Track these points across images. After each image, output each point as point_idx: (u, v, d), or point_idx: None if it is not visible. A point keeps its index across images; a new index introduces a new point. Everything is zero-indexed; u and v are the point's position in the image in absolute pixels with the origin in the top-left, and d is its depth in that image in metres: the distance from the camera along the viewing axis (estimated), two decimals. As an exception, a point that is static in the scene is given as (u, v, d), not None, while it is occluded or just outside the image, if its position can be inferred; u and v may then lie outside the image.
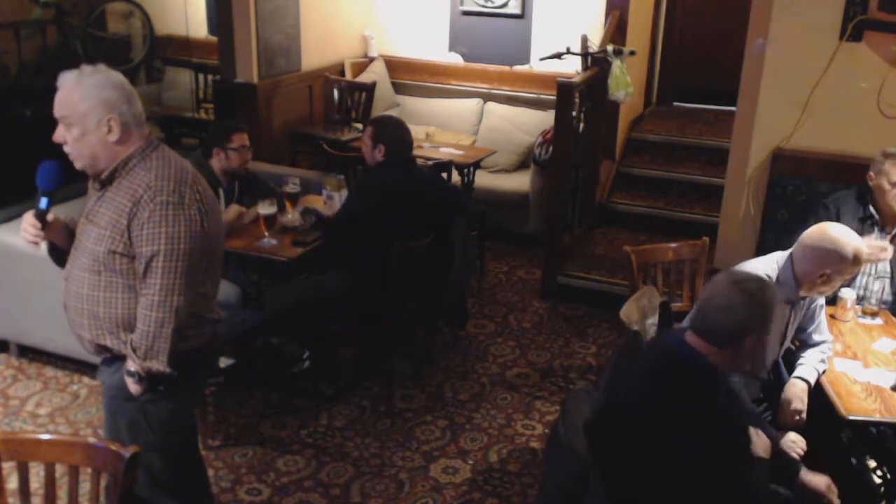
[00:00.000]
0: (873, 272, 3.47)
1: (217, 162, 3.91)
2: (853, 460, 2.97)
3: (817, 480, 2.55)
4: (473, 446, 3.66)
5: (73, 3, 6.79)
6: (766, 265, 2.87)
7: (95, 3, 7.06)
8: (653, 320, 3.08)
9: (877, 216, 3.47)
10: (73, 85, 2.21)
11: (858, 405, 2.70)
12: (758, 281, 2.25)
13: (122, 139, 2.25)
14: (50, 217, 2.34)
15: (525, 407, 3.96)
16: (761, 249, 4.20)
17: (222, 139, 3.90)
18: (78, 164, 2.29)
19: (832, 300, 3.35)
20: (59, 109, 2.23)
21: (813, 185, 4.09)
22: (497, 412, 3.92)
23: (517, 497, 3.34)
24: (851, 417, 2.66)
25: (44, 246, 2.44)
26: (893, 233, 3.47)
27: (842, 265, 2.74)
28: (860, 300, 3.42)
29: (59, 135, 2.24)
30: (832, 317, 3.28)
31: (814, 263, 2.76)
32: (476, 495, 3.35)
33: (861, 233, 3.48)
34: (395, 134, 3.84)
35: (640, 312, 3.07)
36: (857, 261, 2.75)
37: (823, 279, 2.77)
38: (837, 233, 2.77)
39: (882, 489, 3.06)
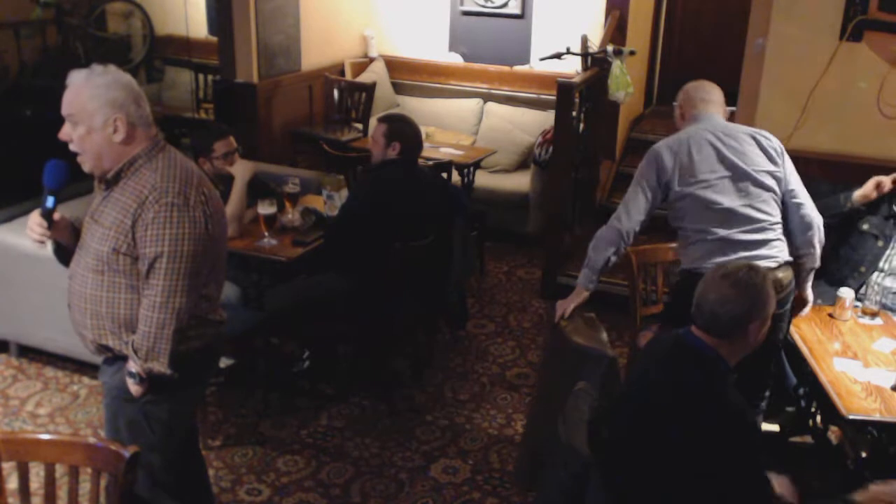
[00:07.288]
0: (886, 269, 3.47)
1: (207, 169, 3.90)
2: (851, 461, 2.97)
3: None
4: (473, 446, 3.66)
5: (73, 3, 6.78)
6: None
7: (95, 3, 7.05)
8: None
9: None
10: (83, 83, 2.22)
11: (858, 405, 2.70)
12: (746, 268, 2.28)
13: (128, 139, 2.25)
14: (56, 216, 2.34)
15: (525, 407, 3.95)
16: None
17: (205, 149, 3.87)
18: (83, 163, 2.29)
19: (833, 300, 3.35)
20: (66, 107, 2.23)
21: (813, 185, 4.06)
22: (497, 412, 3.92)
23: (517, 497, 3.34)
24: (851, 417, 2.66)
25: (49, 245, 2.44)
26: None
27: None
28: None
29: (65, 132, 2.25)
30: (830, 316, 3.28)
31: None
32: (476, 495, 3.35)
33: (884, 230, 3.48)
34: (410, 132, 3.84)
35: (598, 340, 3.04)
36: None
37: None
38: None
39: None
